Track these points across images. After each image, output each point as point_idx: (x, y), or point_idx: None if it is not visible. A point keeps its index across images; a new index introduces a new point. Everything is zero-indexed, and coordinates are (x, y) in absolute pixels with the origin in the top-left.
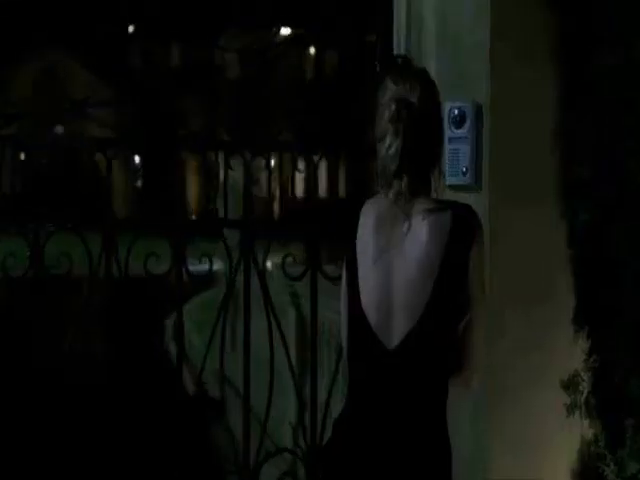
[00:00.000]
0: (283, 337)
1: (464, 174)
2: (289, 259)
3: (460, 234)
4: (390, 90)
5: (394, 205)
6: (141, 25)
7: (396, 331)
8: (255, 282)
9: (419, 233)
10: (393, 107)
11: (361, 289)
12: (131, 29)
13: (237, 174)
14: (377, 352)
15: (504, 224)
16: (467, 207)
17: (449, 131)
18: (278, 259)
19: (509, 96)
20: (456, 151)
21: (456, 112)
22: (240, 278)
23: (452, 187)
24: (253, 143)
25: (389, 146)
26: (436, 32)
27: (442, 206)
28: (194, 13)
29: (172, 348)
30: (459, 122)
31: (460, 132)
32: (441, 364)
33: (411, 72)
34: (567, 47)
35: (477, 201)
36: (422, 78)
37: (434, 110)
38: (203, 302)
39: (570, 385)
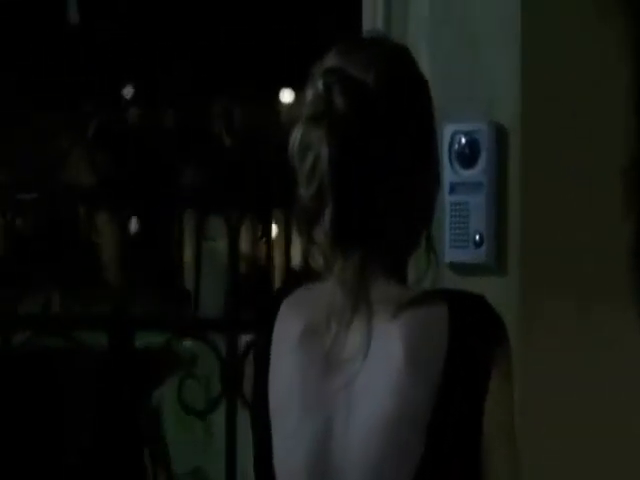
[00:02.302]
0: None
1: (477, 245)
2: (189, 381)
3: (468, 351)
4: (324, 63)
5: (336, 302)
6: (138, 85)
7: None
8: None
9: (386, 356)
10: (320, 83)
11: (278, 474)
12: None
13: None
14: None
15: (546, 329)
16: (476, 298)
17: (452, 173)
18: None
19: (553, 113)
20: (463, 206)
21: (463, 141)
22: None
23: (456, 267)
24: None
25: (302, 157)
26: (430, 5)
27: (429, 297)
28: (194, 75)
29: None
30: (469, 158)
31: (470, 174)
32: None
33: (373, 43)
34: None
35: (498, 292)
36: (393, 52)
37: (414, 107)
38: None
39: None
